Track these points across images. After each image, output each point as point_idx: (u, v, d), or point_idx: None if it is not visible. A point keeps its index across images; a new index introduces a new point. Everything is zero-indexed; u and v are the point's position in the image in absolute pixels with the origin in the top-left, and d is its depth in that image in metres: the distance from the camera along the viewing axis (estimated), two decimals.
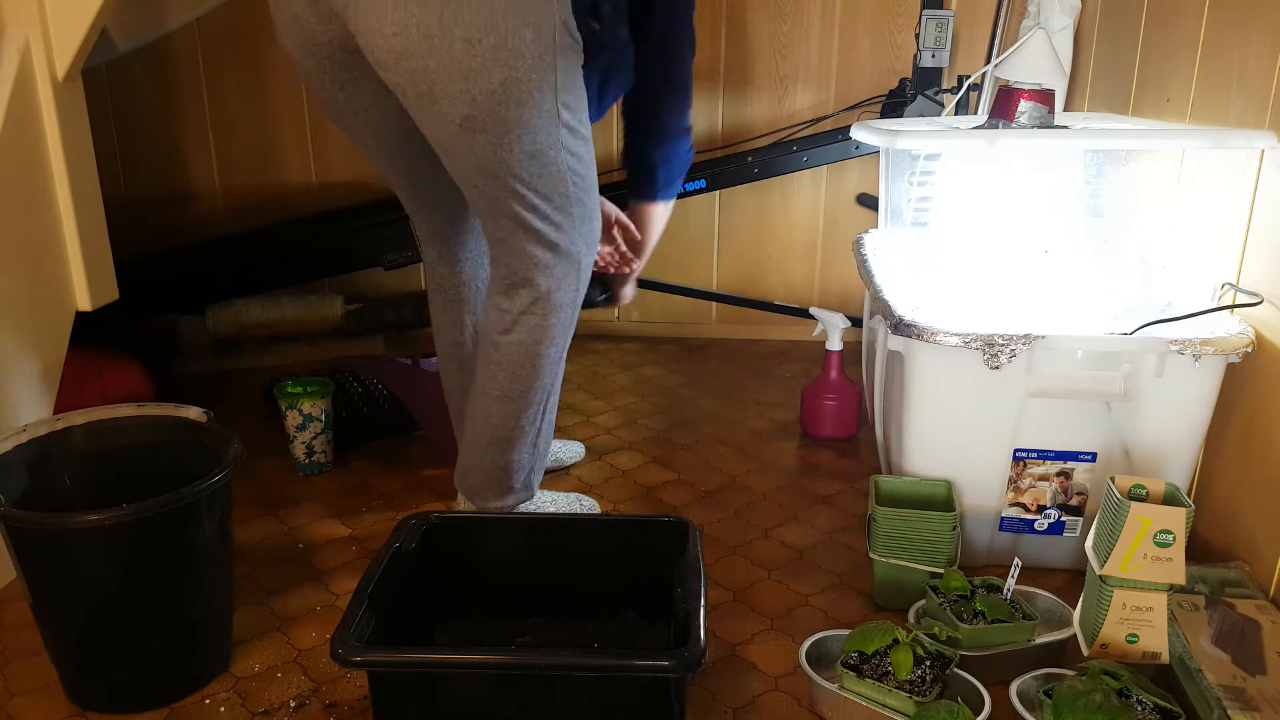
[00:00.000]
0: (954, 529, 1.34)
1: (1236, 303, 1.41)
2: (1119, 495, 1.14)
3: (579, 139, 1.33)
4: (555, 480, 1.80)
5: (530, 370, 1.43)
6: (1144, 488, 1.16)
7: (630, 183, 1.61)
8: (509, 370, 1.43)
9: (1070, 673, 1.15)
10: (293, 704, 1.20)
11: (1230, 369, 1.35)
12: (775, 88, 2.45)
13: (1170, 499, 1.15)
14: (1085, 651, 1.18)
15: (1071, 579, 1.46)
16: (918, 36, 2.17)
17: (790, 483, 1.81)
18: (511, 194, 1.31)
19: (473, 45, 1.18)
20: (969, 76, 2.04)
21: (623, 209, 1.65)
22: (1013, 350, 1.33)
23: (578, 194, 1.36)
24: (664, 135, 1.54)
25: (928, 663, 1.16)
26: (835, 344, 1.96)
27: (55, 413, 1.47)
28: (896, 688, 1.12)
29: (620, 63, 1.43)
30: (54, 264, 1.57)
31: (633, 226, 1.65)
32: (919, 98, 2.20)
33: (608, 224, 1.64)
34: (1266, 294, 1.37)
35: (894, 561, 1.36)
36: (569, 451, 1.88)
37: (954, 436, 1.42)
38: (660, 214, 1.65)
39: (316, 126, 2.49)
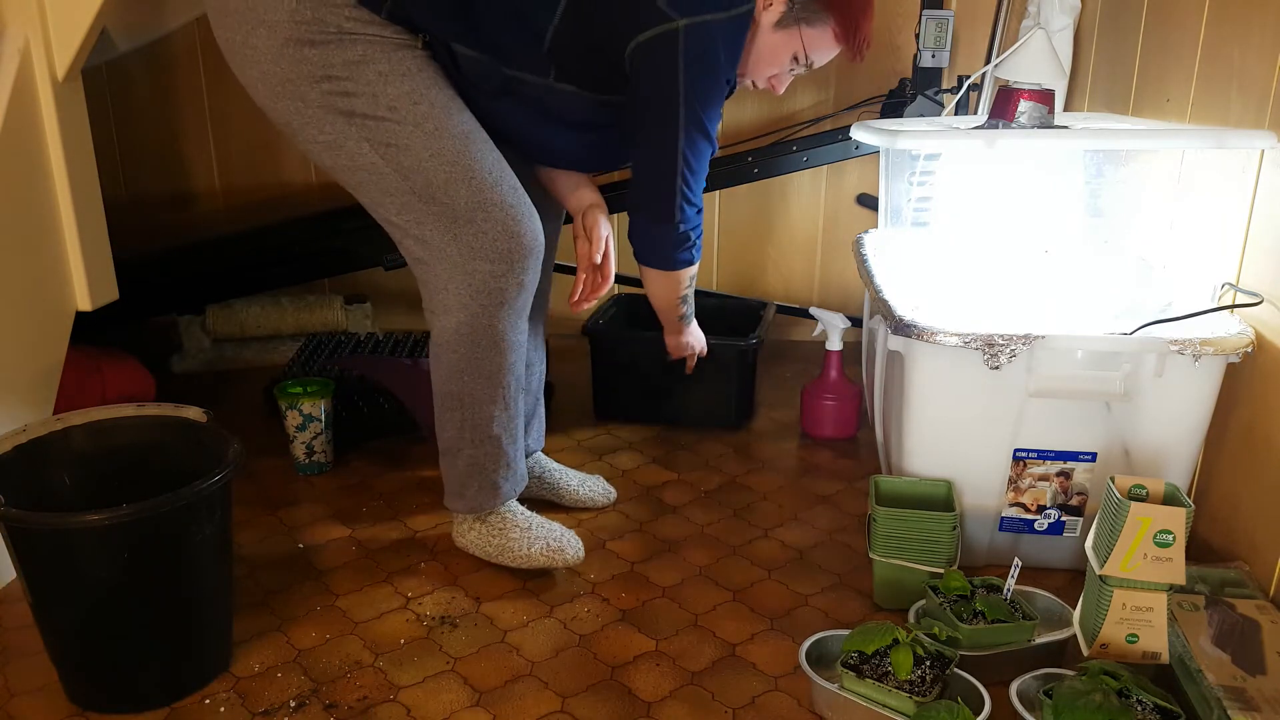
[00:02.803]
0: (954, 529, 1.34)
1: (1236, 303, 1.41)
2: (1119, 495, 1.14)
3: (395, 125, 1.25)
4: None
5: (439, 381, 1.42)
6: (1144, 488, 1.16)
7: None
8: (434, 377, 1.43)
9: (1070, 673, 1.15)
10: (293, 704, 1.20)
11: (1230, 369, 1.35)
12: None
13: (1170, 499, 1.15)
14: (1085, 651, 1.18)
15: (1071, 579, 1.46)
16: (918, 36, 2.17)
17: (790, 483, 1.81)
18: (353, 189, 1.32)
19: (231, 47, 1.26)
20: (969, 76, 2.04)
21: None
22: (1013, 350, 1.33)
23: (421, 186, 1.28)
24: (630, 205, 1.42)
25: (928, 663, 1.16)
26: (835, 344, 1.96)
27: (55, 413, 1.47)
28: (896, 688, 1.12)
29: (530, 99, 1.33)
30: (54, 264, 1.57)
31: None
32: (919, 98, 2.20)
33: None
34: (1266, 294, 1.37)
35: (894, 561, 1.36)
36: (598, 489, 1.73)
37: (954, 436, 1.42)
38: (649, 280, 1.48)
39: None
